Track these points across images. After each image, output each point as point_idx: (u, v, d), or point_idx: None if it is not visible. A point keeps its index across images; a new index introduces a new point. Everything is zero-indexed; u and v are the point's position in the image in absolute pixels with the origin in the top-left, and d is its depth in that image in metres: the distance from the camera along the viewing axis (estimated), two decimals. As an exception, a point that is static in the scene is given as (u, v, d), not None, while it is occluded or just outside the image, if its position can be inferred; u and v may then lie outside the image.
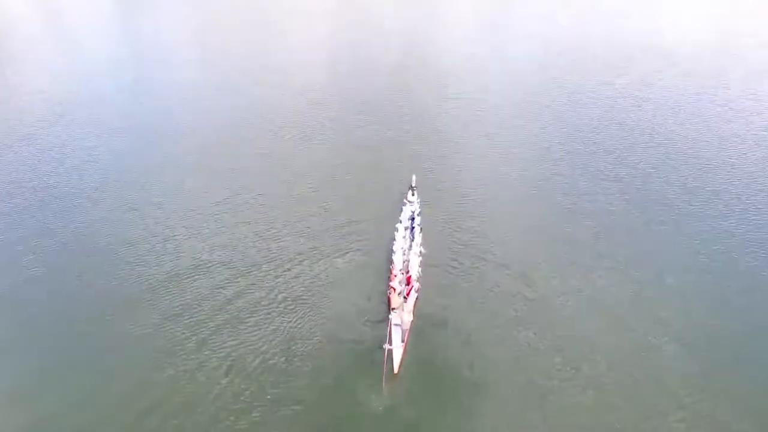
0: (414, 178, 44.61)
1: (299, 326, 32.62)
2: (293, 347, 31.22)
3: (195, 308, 34.06)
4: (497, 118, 66.23)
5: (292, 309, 33.89)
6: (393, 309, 32.29)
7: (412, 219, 40.28)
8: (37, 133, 59.95)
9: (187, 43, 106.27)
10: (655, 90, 76.48)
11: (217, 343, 31.47)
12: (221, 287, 35.80)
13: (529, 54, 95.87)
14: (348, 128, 63.02)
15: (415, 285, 34.33)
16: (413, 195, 43.34)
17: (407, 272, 35.23)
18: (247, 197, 46.90)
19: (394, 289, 33.33)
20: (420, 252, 37.29)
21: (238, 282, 36.28)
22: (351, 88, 77.18)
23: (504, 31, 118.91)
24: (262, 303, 34.38)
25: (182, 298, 34.85)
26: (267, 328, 32.52)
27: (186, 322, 32.96)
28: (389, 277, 35.09)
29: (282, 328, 32.49)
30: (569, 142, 59.41)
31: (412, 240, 38.41)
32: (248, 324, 32.83)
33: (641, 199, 47.60)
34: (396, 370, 29.48)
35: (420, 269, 36.16)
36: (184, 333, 32.21)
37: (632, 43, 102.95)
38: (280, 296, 34.88)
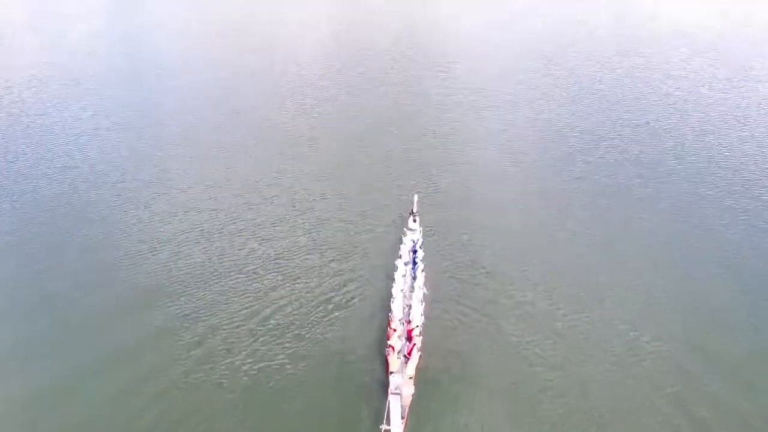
0: (416, 200, 37.78)
1: (271, 394, 25.52)
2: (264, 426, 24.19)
3: (147, 355, 27.38)
4: (507, 122, 59.39)
5: (264, 367, 26.69)
6: (391, 373, 25.62)
7: (414, 251, 33.52)
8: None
9: (183, 45, 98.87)
10: (678, 86, 70.85)
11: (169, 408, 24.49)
12: (176, 334, 28.71)
13: (536, 49, 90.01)
14: (343, 135, 56.17)
15: (418, 341, 27.51)
16: (414, 222, 36.58)
17: (408, 322, 28.49)
18: (225, 220, 39.76)
19: (393, 348, 26.62)
20: (423, 296, 30.48)
21: (196, 326, 29.19)
22: (347, 91, 70.02)
23: (506, 28, 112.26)
24: (224, 362, 27.19)
25: (131, 337, 28.30)
26: (226, 396, 25.35)
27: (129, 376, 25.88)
28: (387, 332, 28.17)
29: (249, 397, 25.34)
30: (590, 149, 52.67)
31: (414, 278, 31.68)
32: (204, 388, 25.66)
33: (667, 220, 41.01)
34: (395, 458, 22.70)
35: (423, 318, 29.33)
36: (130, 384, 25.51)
37: (642, 32, 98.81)
38: (243, 353, 27.54)
